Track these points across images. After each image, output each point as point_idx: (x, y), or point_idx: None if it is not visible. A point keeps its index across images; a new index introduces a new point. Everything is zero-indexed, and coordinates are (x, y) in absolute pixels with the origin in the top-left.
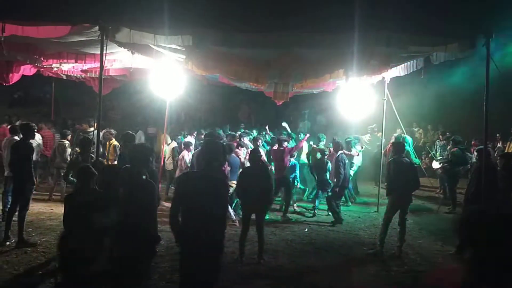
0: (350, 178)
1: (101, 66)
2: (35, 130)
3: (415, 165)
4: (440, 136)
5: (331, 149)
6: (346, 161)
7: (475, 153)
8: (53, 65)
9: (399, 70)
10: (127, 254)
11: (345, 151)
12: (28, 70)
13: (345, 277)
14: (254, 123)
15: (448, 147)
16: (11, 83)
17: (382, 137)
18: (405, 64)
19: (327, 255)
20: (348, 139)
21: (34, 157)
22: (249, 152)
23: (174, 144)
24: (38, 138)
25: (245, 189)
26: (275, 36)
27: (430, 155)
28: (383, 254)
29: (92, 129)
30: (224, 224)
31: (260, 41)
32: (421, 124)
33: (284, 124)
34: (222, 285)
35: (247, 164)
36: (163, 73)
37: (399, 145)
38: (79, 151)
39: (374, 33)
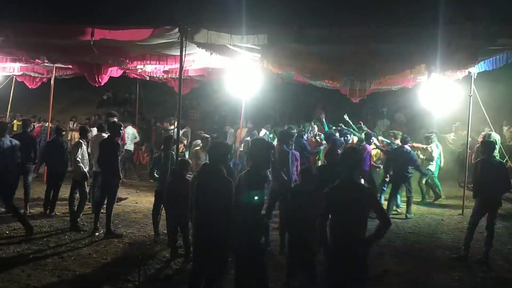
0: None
1: (181, 67)
2: (122, 128)
3: (506, 166)
4: None
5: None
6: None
7: None
8: (138, 67)
9: (487, 64)
10: (205, 248)
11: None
12: (115, 71)
13: (426, 282)
14: (329, 121)
15: None
16: (101, 84)
17: (467, 136)
18: (494, 57)
19: (406, 258)
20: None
21: None
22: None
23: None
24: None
25: None
26: (350, 31)
27: None
28: (468, 259)
29: (172, 127)
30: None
31: (335, 36)
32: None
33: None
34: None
35: None
36: (239, 72)
37: (488, 145)
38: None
39: (459, 25)
